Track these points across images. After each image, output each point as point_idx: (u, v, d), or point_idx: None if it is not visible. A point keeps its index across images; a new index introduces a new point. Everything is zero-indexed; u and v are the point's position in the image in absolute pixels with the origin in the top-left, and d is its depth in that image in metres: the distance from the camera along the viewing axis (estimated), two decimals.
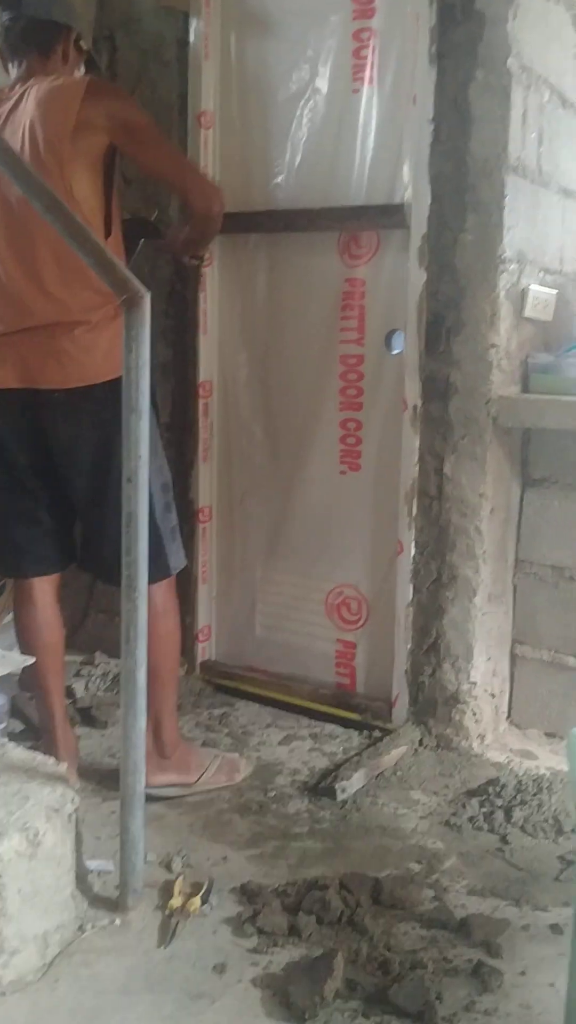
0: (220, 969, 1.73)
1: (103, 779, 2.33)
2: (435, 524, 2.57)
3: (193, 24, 2.76)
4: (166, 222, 2.41)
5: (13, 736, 2.48)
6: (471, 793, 2.34)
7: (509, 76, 2.34)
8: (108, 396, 2.01)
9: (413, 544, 2.61)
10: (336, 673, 2.86)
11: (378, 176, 2.59)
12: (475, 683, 2.57)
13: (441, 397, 2.52)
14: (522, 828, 2.17)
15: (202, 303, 2.87)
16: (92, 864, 1.96)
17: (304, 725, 2.77)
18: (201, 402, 2.94)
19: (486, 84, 2.35)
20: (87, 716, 2.72)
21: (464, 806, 2.28)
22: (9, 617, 2.66)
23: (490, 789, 2.31)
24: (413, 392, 2.56)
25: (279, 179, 2.74)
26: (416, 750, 2.58)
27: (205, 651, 3.06)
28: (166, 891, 1.93)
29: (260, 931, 1.81)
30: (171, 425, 2.98)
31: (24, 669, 2.28)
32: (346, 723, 2.75)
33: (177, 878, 1.96)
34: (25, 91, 2.12)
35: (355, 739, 2.68)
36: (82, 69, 2.32)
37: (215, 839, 2.16)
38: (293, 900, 1.89)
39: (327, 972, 1.65)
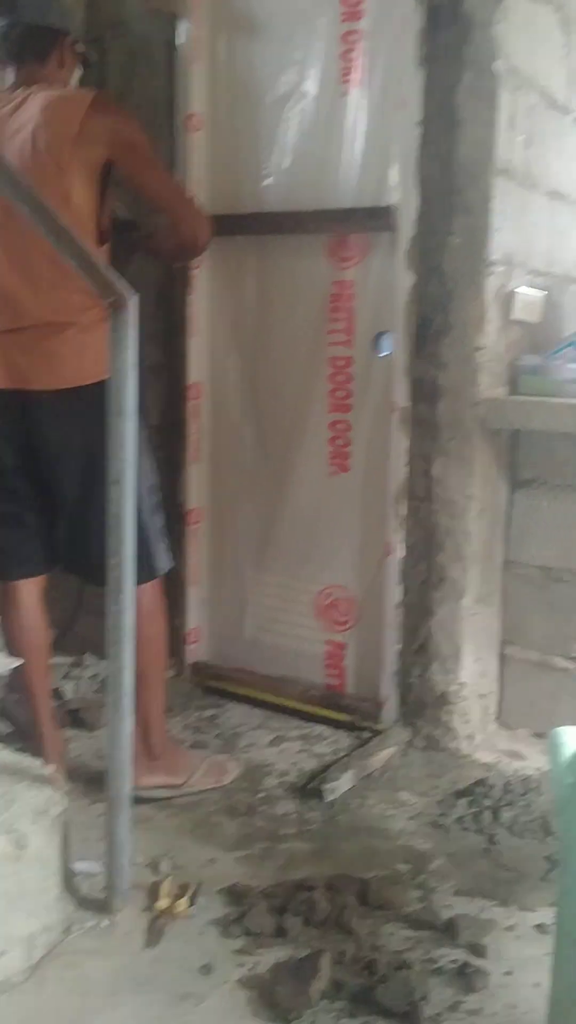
0: (207, 970, 1.73)
1: (91, 781, 2.33)
2: (423, 525, 2.57)
3: (182, 26, 2.76)
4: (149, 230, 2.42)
5: (1, 738, 2.48)
6: (459, 794, 2.35)
7: (496, 79, 2.34)
8: (97, 398, 2.01)
9: (402, 545, 2.62)
10: (326, 674, 2.87)
11: (366, 179, 2.59)
12: (464, 684, 2.57)
13: (429, 399, 2.52)
14: (510, 829, 2.18)
15: (191, 305, 2.88)
16: (79, 866, 1.96)
17: (293, 726, 2.77)
18: (191, 404, 2.94)
19: (473, 87, 2.36)
20: (76, 718, 2.72)
21: (452, 807, 2.28)
22: None
23: (478, 790, 2.32)
24: (401, 394, 2.57)
25: (268, 181, 2.75)
26: (405, 751, 2.58)
27: (195, 653, 3.06)
28: (153, 893, 1.93)
29: (247, 932, 1.82)
30: (161, 427, 2.98)
31: (11, 671, 2.29)
32: (335, 724, 2.76)
33: (164, 880, 1.96)
34: (28, 96, 2.13)
35: (344, 740, 2.68)
36: (79, 72, 2.33)
37: (203, 841, 2.16)
38: (280, 901, 1.89)
39: (313, 973, 1.66)
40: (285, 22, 2.66)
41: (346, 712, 2.76)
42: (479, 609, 2.59)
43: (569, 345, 2.55)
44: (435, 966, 1.75)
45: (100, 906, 1.89)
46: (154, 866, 2.04)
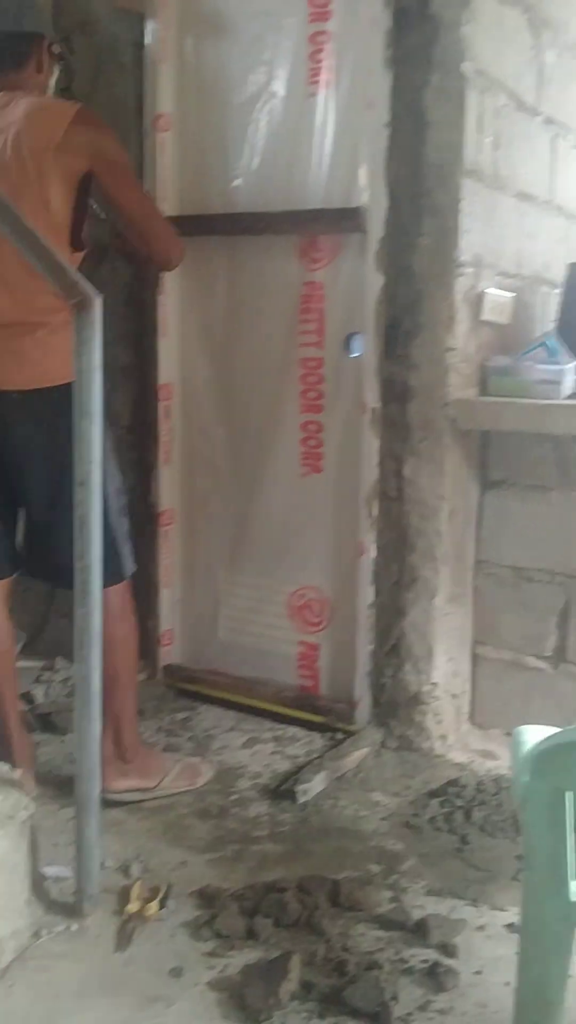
0: (177, 973, 1.73)
1: (62, 785, 2.31)
2: (395, 526, 2.58)
3: (149, 26, 2.76)
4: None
5: None
6: (432, 794, 2.35)
7: (464, 80, 2.35)
8: (65, 399, 2.00)
9: (374, 546, 2.62)
10: (299, 675, 2.87)
11: (335, 180, 2.59)
12: (436, 684, 2.58)
13: (400, 400, 2.53)
14: (481, 828, 2.18)
15: (161, 306, 2.87)
16: (49, 870, 1.95)
17: (267, 728, 2.77)
18: (162, 405, 2.93)
19: (441, 88, 2.37)
20: (47, 722, 2.70)
21: (424, 807, 2.29)
22: None
23: (450, 790, 2.32)
24: (372, 395, 2.57)
25: (237, 182, 2.75)
26: (378, 751, 2.58)
27: (168, 655, 3.05)
28: (124, 896, 1.93)
29: (217, 934, 1.81)
30: (132, 428, 2.98)
31: None
32: (309, 725, 2.75)
33: (135, 883, 1.96)
34: (10, 101, 2.14)
35: (318, 741, 2.68)
36: (56, 73, 2.33)
37: (174, 843, 2.16)
38: (251, 903, 1.89)
39: (283, 974, 1.65)
40: (253, 22, 2.66)
41: (319, 713, 2.76)
42: (451, 609, 2.60)
43: (538, 346, 2.56)
44: (405, 966, 1.75)
45: (70, 910, 1.88)
46: (125, 869, 2.03)
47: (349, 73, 2.54)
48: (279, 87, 2.64)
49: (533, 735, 1.14)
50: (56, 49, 2.31)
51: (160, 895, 1.91)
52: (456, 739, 2.65)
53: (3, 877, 1.71)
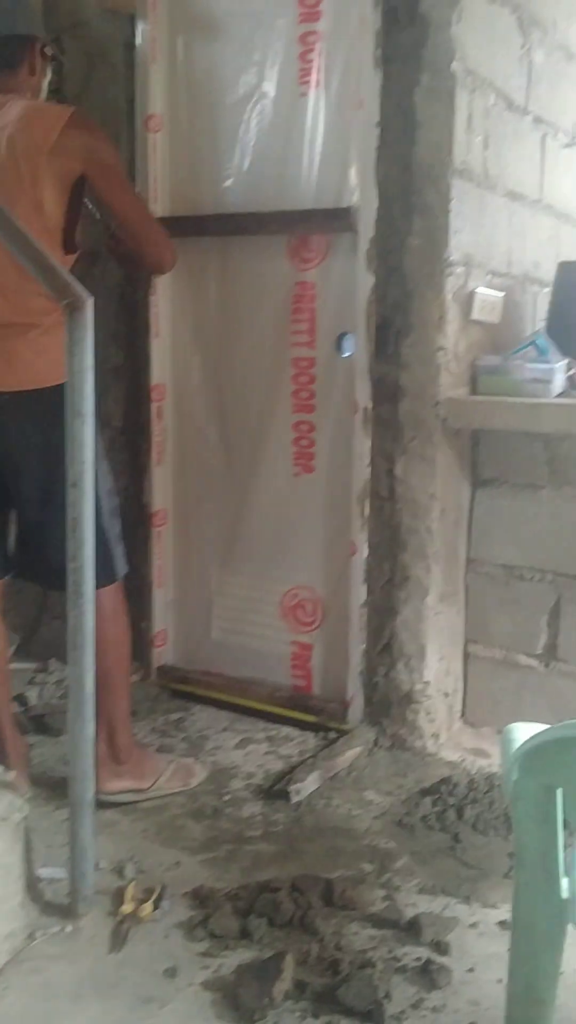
0: (171, 973, 1.73)
1: (56, 787, 2.32)
2: (387, 525, 2.58)
3: (140, 27, 2.76)
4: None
5: None
6: (424, 792, 2.36)
7: (454, 80, 2.35)
8: (58, 400, 2.00)
9: (366, 545, 2.62)
10: (292, 675, 2.87)
11: (326, 180, 2.60)
12: (428, 682, 2.58)
13: (391, 399, 2.53)
14: (474, 826, 2.19)
15: (153, 306, 2.87)
16: (43, 872, 1.96)
17: (260, 728, 2.77)
18: (154, 405, 2.93)
19: (431, 88, 2.37)
20: (40, 724, 2.70)
21: (417, 805, 2.29)
22: None
23: (443, 788, 2.33)
24: (363, 394, 2.57)
25: (228, 182, 2.75)
26: (371, 750, 2.59)
27: (161, 656, 3.06)
28: (118, 897, 1.93)
29: (211, 935, 1.82)
30: (124, 429, 2.98)
31: None
32: (302, 725, 2.76)
33: (129, 884, 1.96)
34: (5, 103, 2.15)
35: (311, 741, 2.68)
36: (49, 75, 2.33)
37: (168, 844, 2.16)
38: (245, 903, 1.89)
39: (276, 973, 1.66)
40: (243, 22, 2.66)
41: (312, 713, 2.76)
42: (443, 608, 2.60)
43: (528, 345, 2.57)
44: (398, 964, 1.76)
45: (64, 911, 1.89)
46: (119, 870, 2.04)
47: (339, 73, 2.54)
48: (270, 87, 2.64)
49: (523, 732, 1.15)
50: (49, 51, 2.31)
51: (154, 896, 1.92)
52: (448, 737, 2.66)
53: None
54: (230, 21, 2.69)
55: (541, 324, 2.84)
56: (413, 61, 2.38)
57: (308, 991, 1.66)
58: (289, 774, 2.43)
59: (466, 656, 2.72)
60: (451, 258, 2.42)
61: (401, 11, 2.38)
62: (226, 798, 2.37)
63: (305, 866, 2.06)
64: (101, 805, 2.19)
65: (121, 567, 2.29)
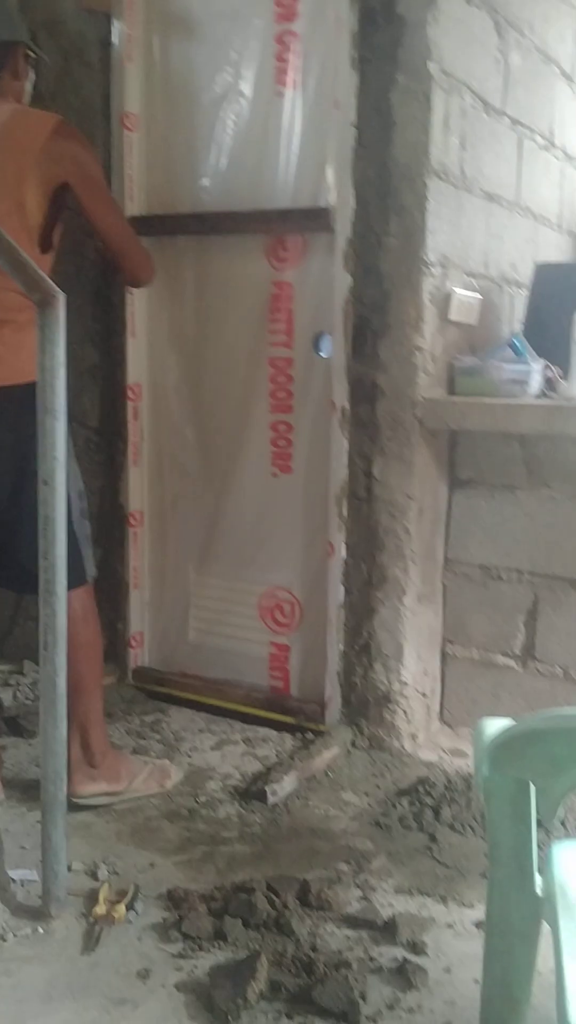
0: (144, 975, 1.71)
1: (28, 788, 2.29)
2: (365, 525, 2.58)
3: (116, 26, 2.75)
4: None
5: None
6: (401, 792, 2.35)
7: (430, 80, 2.36)
8: (30, 397, 1.98)
9: (343, 546, 2.62)
10: (270, 676, 2.86)
11: (303, 180, 2.59)
12: (406, 683, 2.58)
13: (368, 399, 2.53)
14: (450, 826, 2.18)
15: (129, 305, 2.85)
16: (15, 874, 1.94)
17: (237, 729, 2.76)
18: (130, 405, 2.92)
19: (407, 88, 2.37)
20: (14, 726, 2.67)
21: (394, 805, 2.29)
22: None
23: (420, 788, 2.32)
24: (341, 395, 2.57)
25: (205, 182, 2.74)
26: (348, 751, 2.58)
27: (137, 658, 3.04)
28: (91, 899, 1.91)
29: (185, 936, 1.80)
30: (100, 429, 2.96)
31: None
32: (280, 726, 2.75)
33: (102, 886, 1.94)
34: None
35: (288, 742, 2.67)
36: (32, 77, 2.32)
37: (143, 846, 2.14)
38: (220, 904, 1.87)
39: (250, 974, 1.64)
40: (220, 22, 2.65)
41: (290, 714, 2.75)
42: (420, 608, 2.60)
43: (506, 346, 2.58)
44: (374, 964, 1.75)
45: (36, 913, 1.87)
46: (92, 872, 2.02)
47: (316, 73, 2.54)
48: (246, 87, 2.64)
49: (494, 727, 1.14)
50: (32, 54, 2.31)
51: (128, 897, 1.90)
52: (426, 738, 2.66)
53: None
54: (206, 20, 2.68)
55: (518, 325, 2.85)
56: (389, 61, 2.38)
57: (283, 992, 1.65)
58: (266, 775, 2.42)
59: (444, 656, 2.72)
60: (428, 259, 2.42)
61: (378, 11, 2.39)
62: (202, 800, 2.35)
63: (281, 867, 2.05)
64: (74, 807, 2.17)
65: (91, 569, 2.27)
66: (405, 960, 1.74)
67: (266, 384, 2.74)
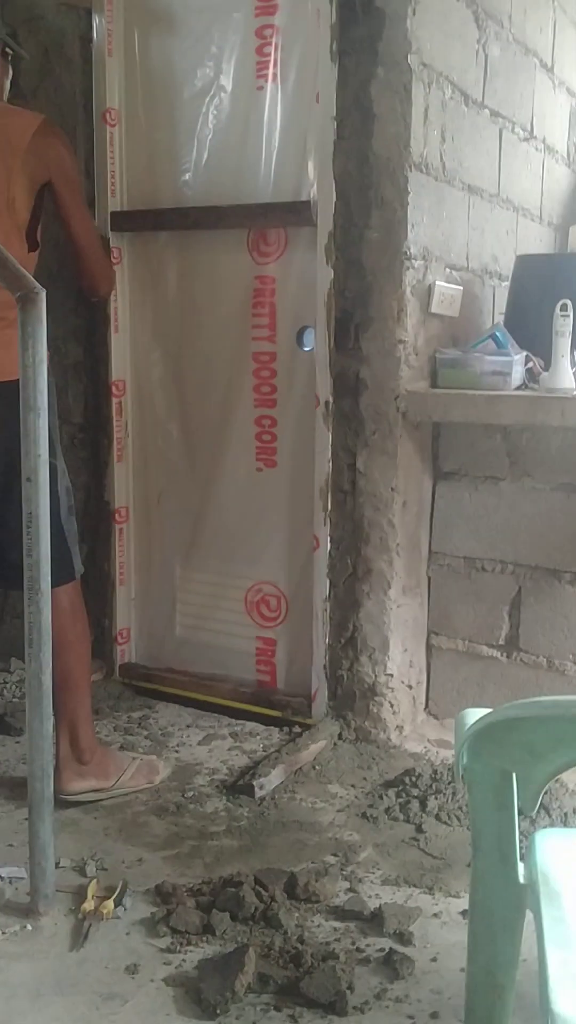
0: (132, 970, 1.72)
1: (16, 786, 2.29)
2: (349, 519, 2.58)
3: (96, 21, 2.74)
4: None
5: None
6: (388, 784, 2.36)
7: (410, 73, 2.36)
8: (17, 394, 1.99)
9: (328, 539, 2.62)
10: (257, 671, 2.86)
11: (284, 173, 2.59)
12: (392, 675, 2.59)
13: (352, 393, 2.53)
14: (437, 817, 2.19)
15: (112, 301, 2.85)
16: (3, 871, 1.94)
17: (224, 724, 2.76)
18: (115, 401, 2.91)
19: (387, 81, 2.37)
20: (1, 723, 2.67)
21: (381, 797, 2.30)
22: None
23: (407, 779, 2.33)
24: (324, 388, 2.57)
25: (187, 176, 2.74)
26: (335, 744, 2.59)
27: (124, 654, 3.04)
28: (79, 895, 1.91)
29: (173, 930, 1.81)
30: (85, 425, 2.96)
31: None
32: (267, 720, 2.75)
33: (90, 882, 1.94)
34: None
35: (275, 736, 2.68)
36: (10, 73, 2.33)
37: (131, 842, 2.14)
38: (207, 898, 1.88)
39: (238, 967, 1.65)
40: (200, 16, 2.65)
41: (277, 708, 2.76)
42: (406, 600, 2.61)
43: (487, 338, 2.58)
44: (362, 955, 1.75)
45: (24, 910, 1.87)
46: (80, 868, 2.02)
47: (296, 67, 2.54)
48: (227, 81, 2.64)
49: (475, 717, 1.15)
50: (9, 51, 2.31)
51: (116, 893, 1.90)
52: (412, 729, 2.67)
53: None
54: (186, 15, 2.68)
55: (500, 317, 2.86)
56: (369, 54, 2.38)
57: (271, 984, 1.66)
58: (253, 769, 2.42)
59: (429, 648, 2.72)
60: (410, 251, 2.42)
61: (357, 4, 2.38)
62: (189, 794, 2.35)
63: (268, 860, 2.06)
64: (62, 803, 2.17)
65: (78, 565, 2.27)
66: (392, 950, 1.75)
67: (250, 378, 2.74)
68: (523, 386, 2.52)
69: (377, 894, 1.95)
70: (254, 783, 2.33)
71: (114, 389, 2.91)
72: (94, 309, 2.87)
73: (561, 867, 1.25)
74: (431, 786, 2.28)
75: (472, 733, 1.13)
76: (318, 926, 1.84)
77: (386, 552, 2.54)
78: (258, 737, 2.68)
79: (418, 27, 2.36)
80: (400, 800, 2.26)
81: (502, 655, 2.59)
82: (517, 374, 2.49)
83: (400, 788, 2.31)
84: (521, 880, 1.26)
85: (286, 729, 2.70)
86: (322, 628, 2.66)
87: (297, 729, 2.67)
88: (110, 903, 1.87)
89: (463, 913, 1.87)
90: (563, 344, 2.39)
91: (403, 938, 1.79)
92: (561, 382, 2.38)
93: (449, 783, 2.28)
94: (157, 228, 2.79)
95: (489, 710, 1.15)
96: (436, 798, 2.23)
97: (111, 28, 2.74)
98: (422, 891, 1.96)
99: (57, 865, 1.95)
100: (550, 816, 2.16)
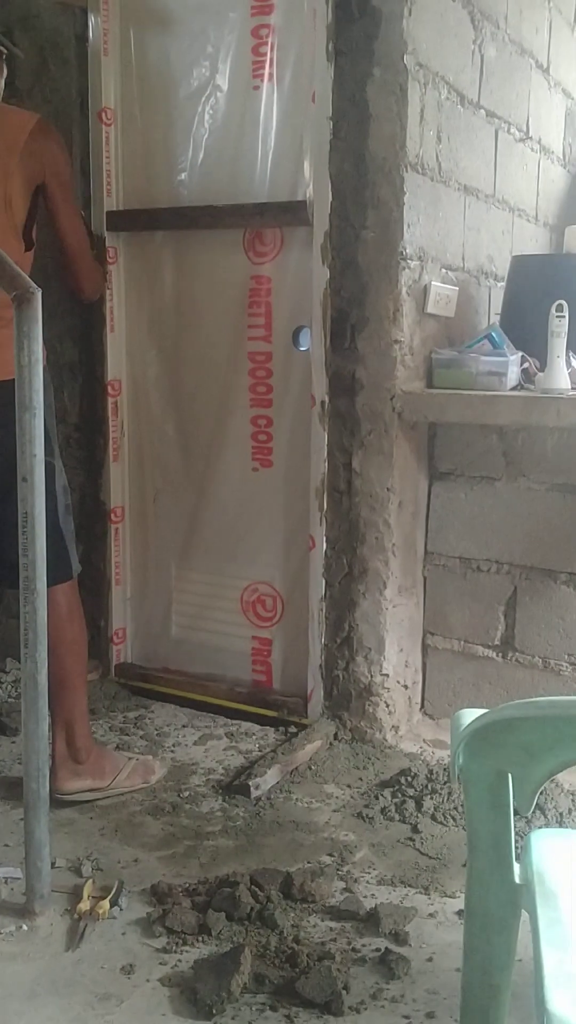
0: (128, 970, 1.72)
1: (12, 786, 2.29)
2: (345, 519, 2.58)
3: (92, 20, 2.74)
4: None
5: None
6: (384, 784, 2.36)
7: (406, 73, 2.36)
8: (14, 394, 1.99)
9: (324, 539, 2.62)
10: (253, 671, 2.86)
11: (280, 173, 2.59)
12: (388, 675, 2.59)
13: (348, 393, 2.53)
14: (432, 817, 2.20)
15: (108, 301, 2.84)
16: None
17: (220, 724, 2.76)
18: (110, 401, 2.91)
19: (383, 81, 2.37)
20: None
21: (376, 797, 2.30)
22: None
23: (402, 779, 2.33)
24: (320, 388, 2.57)
25: (182, 176, 2.73)
26: (331, 744, 2.59)
27: (120, 654, 3.03)
28: (75, 895, 1.91)
29: (169, 931, 1.81)
30: (80, 425, 2.95)
31: None
32: (263, 720, 2.75)
33: (86, 882, 1.94)
34: None
35: (271, 736, 2.68)
36: (5, 72, 2.32)
37: (126, 842, 2.14)
38: (203, 898, 1.88)
39: (234, 967, 1.65)
40: (196, 15, 2.65)
41: (273, 708, 2.76)
42: (401, 600, 2.61)
43: (483, 338, 2.59)
44: (357, 955, 1.76)
45: (20, 910, 1.87)
46: (76, 868, 2.02)
47: (292, 66, 2.54)
48: (223, 81, 2.64)
49: (471, 718, 1.15)
50: (4, 51, 2.31)
51: (111, 893, 1.90)
52: (408, 729, 2.67)
53: None
54: (182, 14, 2.67)
55: (496, 318, 2.86)
56: (365, 54, 2.38)
57: (267, 984, 1.66)
58: (249, 769, 2.42)
59: (425, 648, 2.73)
60: (405, 252, 2.43)
61: (353, 4, 2.38)
62: (185, 794, 2.35)
63: (264, 860, 2.06)
64: (58, 803, 2.17)
65: (76, 565, 2.27)
66: (388, 950, 1.75)
67: (246, 378, 2.74)
68: (519, 386, 2.52)
69: (373, 894, 1.95)
70: (250, 783, 2.33)
71: (110, 389, 2.90)
72: (90, 309, 2.87)
73: (557, 867, 1.25)
74: (427, 786, 2.28)
75: (468, 733, 1.13)
76: (314, 926, 1.84)
77: (382, 552, 2.54)
78: (254, 737, 2.68)
79: (414, 27, 2.36)
80: (396, 800, 2.26)
81: (498, 655, 2.59)
82: (513, 374, 2.49)
83: (396, 788, 2.31)
84: (517, 880, 1.26)
85: (282, 729, 2.70)
86: (318, 628, 2.66)
87: (293, 729, 2.67)
88: (106, 903, 1.87)
89: (459, 913, 1.87)
90: (559, 344, 2.39)
91: (399, 938, 1.79)
92: (557, 382, 2.39)
93: (445, 783, 2.28)
94: (153, 228, 2.79)
95: (485, 710, 1.15)
96: (432, 798, 2.23)
97: (107, 27, 2.74)
98: (418, 891, 1.96)
99: (53, 865, 1.95)
100: (546, 816, 2.16)
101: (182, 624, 2.98)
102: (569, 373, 2.41)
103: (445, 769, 2.34)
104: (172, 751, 2.59)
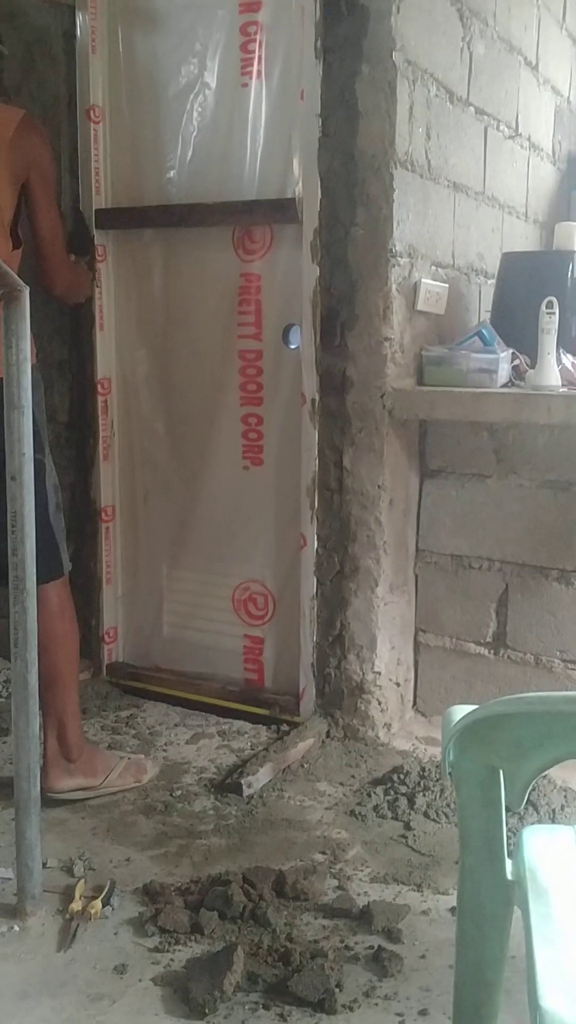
0: (121, 970, 1.71)
1: (2, 786, 2.28)
2: (336, 517, 2.58)
3: (79, 17, 2.73)
4: None
5: None
6: (376, 782, 2.36)
7: (395, 70, 2.36)
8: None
9: (316, 537, 2.62)
10: (244, 669, 2.86)
11: (269, 171, 2.59)
12: (380, 672, 2.59)
13: (338, 391, 2.53)
14: (425, 814, 2.20)
15: (97, 299, 2.84)
16: None
17: (212, 723, 2.76)
18: (100, 400, 2.90)
19: (372, 79, 2.37)
20: None
21: (369, 795, 2.30)
22: None
23: (395, 777, 2.33)
24: (311, 386, 2.57)
25: (171, 174, 2.73)
26: (323, 742, 2.59)
27: (112, 653, 3.03)
28: (67, 895, 1.91)
29: (162, 930, 1.80)
30: (70, 424, 2.95)
31: None
32: (255, 719, 2.75)
33: (78, 882, 1.94)
34: None
35: (263, 734, 2.68)
36: None
37: (118, 841, 2.14)
38: (196, 897, 1.88)
39: (227, 966, 1.65)
40: (184, 13, 2.64)
41: (265, 706, 2.76)
42: (393, 598, 2.61)
43: (474, 336, 2.59)
44: (350, 953, 1.75)
45: (12, 911, 1.86)
46: (68, 868, 2.01)
47: (280, 63, 2.53)
48: (211, 78, 2.63)
49: (462, 714, 1.15)
50: None
51: (104, 893, 1.90)
52: (400, 727, 2.67)
53: None
54: (170, 11, 2.67)
55: (486, 315, 2.86)
56: (354, 51, 2.38)
57: (260, 983, 1.66)
58: (241, 768, 2.42)
59: (416, 646, 2.73)
60: (395, 249, 2.42)
61: (341, 1, 2.38)
62: (177, 793, 2.35)
63: (257, 859, 2.06)
64: (49, 803, 2.16)
65: (67, 563, 2.27)
66: (381, 948, 1.75)
67: (236, 377, 2.74)
68: (509, 383, 2.52)
69: (366, 892, 1.95)
70: (242, 782, 2.33)
71: (99, 388, 2.90)
72: (79, 307, 2.86)
73: (549, 863, 1.25)
74: (419, 783, 2.29)
75: (459, 730, 1.12)
76: (307, 924, 1.83)
77: (373, 550, 2.54)
78: (246, 736, 2.67)
79: (402, 24, 2.36)
80: (388, 798, 2.26)
81: (489, 652, 2.60)
82: (503, 371, 2.49)
83: (388, 786, 2.31)
84: (509, 877, 1.26)
85: (274, 727, 2.69)
86: (309, 626, 2.66)
87: (285, 727, 2.67)
88: (98, 903, 1.86)
89: (451, 910, 1.87)
90: (549, 341, 2.39)
91: (392, 935, 1.79)
92: (547, 379, 2.39)
93: (437, 780, 2.28)
94: (142, 226, 2.78)
95: (476, 707, 1.15)
96: (424, 795, 2.23)
97: (95, 25, 2.73)
98: (410, 888, 1.96)
99: (44, 865, 1.94)
100: (538, 812, 2.16)
101: (173, 623, 2.97)
102: (559, 370, 2.41)
103: (437, 766, 2.34)
104: (164, 750, 2.59)
